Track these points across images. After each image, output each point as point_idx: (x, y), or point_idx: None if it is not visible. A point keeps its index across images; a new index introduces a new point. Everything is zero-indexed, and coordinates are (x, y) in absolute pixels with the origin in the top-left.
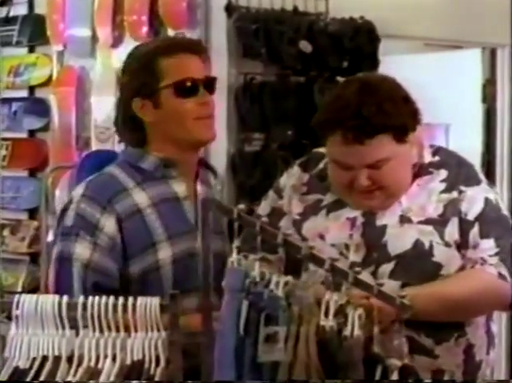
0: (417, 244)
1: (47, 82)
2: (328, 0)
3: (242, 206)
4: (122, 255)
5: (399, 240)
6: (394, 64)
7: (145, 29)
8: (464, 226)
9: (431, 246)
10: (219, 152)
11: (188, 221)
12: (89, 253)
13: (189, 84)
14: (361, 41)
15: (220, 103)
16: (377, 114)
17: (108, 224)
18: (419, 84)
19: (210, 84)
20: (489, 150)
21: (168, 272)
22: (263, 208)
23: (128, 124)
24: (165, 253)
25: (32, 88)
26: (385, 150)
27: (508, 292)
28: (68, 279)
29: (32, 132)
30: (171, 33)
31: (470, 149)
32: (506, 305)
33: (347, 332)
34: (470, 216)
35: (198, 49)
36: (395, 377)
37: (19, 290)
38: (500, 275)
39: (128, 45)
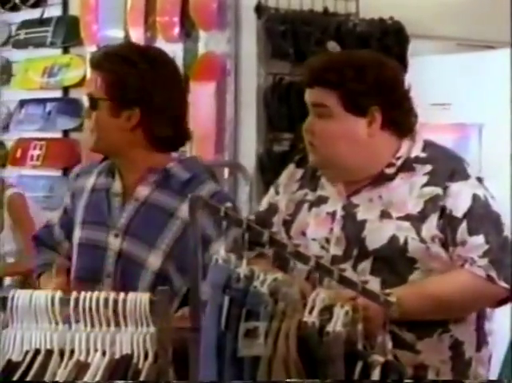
0: (393, 239)
1: (81, 83)
2: (358, 0)
3: (229, 204)
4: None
5: (376, 235)
6: (424, 64)
7: (177, 29)
8: (451, 223)
9: (406, 242)
10: (248, 152)
11: (106, 214)
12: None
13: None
14: (389, 41)
15: (249, 103)
16: (329, 71)
17: (68, 195)
18: (450, 84)
19: (91, 99)
20: None
21: (76, 254)
22: (262, 204)
23: None
24: (76, 235)
25: (66, 89)
26: (325, 99)
27: (495, 293)
28: None
29: (66, 132)
30: (202, 34)
31: (503, 149)
32: (493, 305)
33: (329, 328)
34: (458, 213)
35: (97, 63)
36: (377, 373)
37: None
38: (488, 277)
39: (161, 46)
